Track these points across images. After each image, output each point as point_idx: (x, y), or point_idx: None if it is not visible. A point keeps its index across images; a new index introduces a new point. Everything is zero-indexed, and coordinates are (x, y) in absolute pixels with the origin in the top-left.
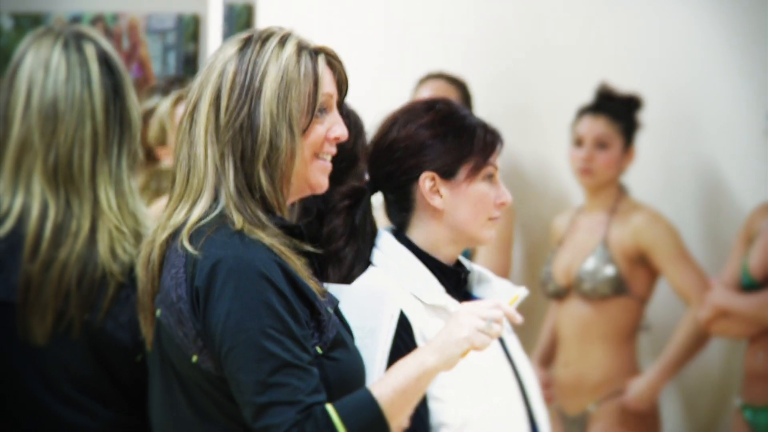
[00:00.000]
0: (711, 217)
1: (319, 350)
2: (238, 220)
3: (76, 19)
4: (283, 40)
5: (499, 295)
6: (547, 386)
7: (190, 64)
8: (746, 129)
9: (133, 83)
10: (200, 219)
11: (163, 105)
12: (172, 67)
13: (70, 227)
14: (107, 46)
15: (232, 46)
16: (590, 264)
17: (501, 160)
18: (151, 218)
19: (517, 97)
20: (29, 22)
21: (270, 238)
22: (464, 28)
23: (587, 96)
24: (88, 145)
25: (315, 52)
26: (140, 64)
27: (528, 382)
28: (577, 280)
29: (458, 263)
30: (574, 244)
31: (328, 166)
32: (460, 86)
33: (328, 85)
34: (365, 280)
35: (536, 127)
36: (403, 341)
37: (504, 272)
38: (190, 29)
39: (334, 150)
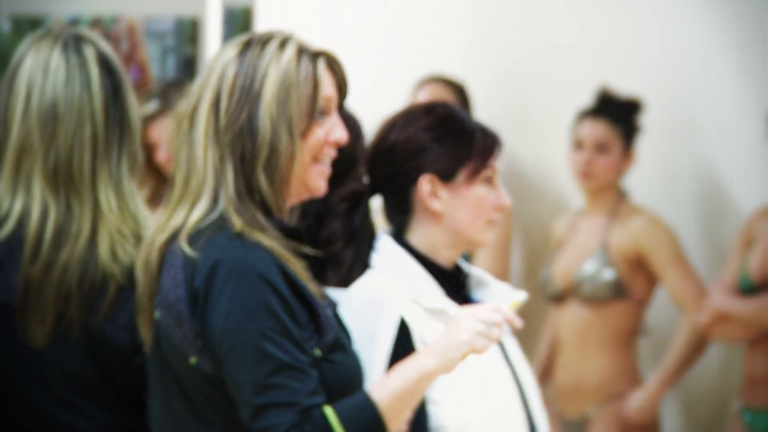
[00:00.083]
0: (710, 220)
1: (318, 352)
2: (237, 223)
3: (75, 22)
4: (283, 44)
5: (499, 299)
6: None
7: (188, 67)
8: (746, 131)
9: (132, 85)
10: (199, 221)
11: None
12: (171, 69)
13: (71, 229)
14: (106, 48)
15: (232, 49)
16: (589, 267)
17: (500, 162)
18: (151, 220)
19: (516, 98)
20: (28, 25)
21: (270, 240)
22: (463, 29)
23: (587, 97)
24: (88, 147)
25: (315, 55)
26: (139, 66)
27: (527, 385)
28: (576, 283)
29: (457, 266)
30: (573, 247)
31: (327, 170)
32: (458, 89)
33: (327, 88)
34: (364, 283)
35: (536, 128)
36: (402, 345)
37: (502, 275)
38: (189, 32)
39: (333, 153)
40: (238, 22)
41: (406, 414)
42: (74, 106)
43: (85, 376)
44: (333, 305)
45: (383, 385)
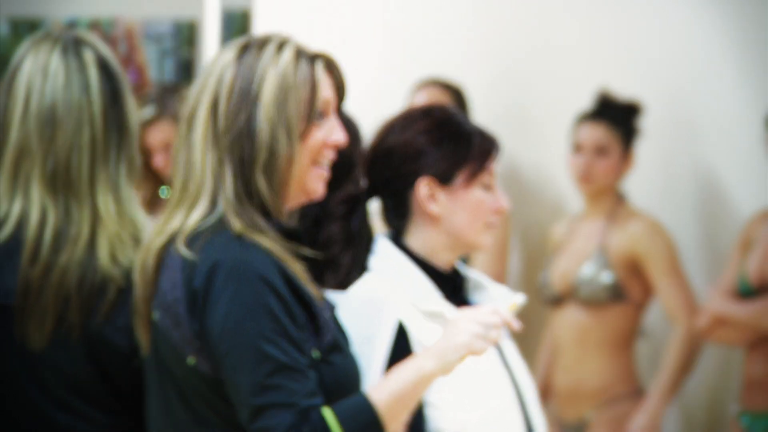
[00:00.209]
0: (709, 222)
1: (316, 354)
2: (237, 225)
3: (73, 24)
4: (281, 46)
5: (497, 301)
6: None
7: (186, 70)
8: (746, 132)
9: (131, 89)
10: (197, 224)
11: None
12: (169, 72)
13: (70, 232)
14: (106, 51)
15: (230, 52)
16: (587, 270)
17: (499, 165)
18: (149, 224)
19: (515, 100)
20: (26, 27)
21: (269, 242)
22: (462, 31)
23: (586, 99)
24: (87, 150)
25: (313, 58)
26: (137, 69)
27: (525, 387)
28: (574, 285)
29: (455, 269)
30: (571, 250)
31: (325, 174)
32: (455, 92)
33: (326, 90)
34: (362, 285)
35: (535, 130)
36: (400, 347)
37: (500, 278)
38: (187, 34)
39: (332, 155)
40: (236, 24)
41: (404, 416)
42: (73, 109)
43: (84, 378)
44: (331, 307)
45: (381, 387)
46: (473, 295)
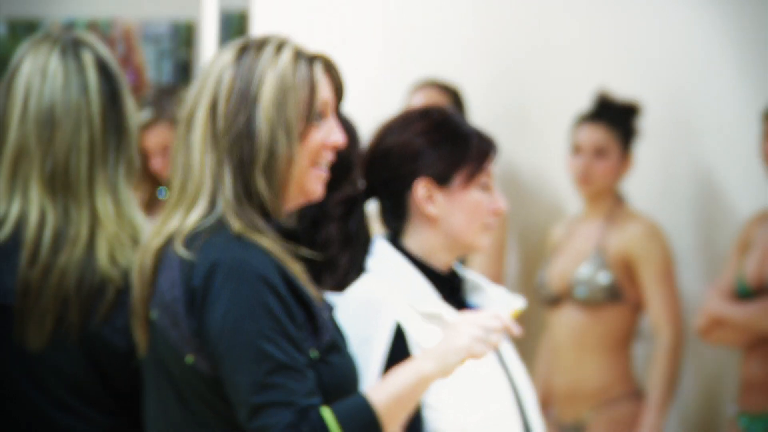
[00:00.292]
0: (707, 223)
1: (314, 354)
2: (236, 225)
3: (71, 25)
4: (280, 47)
5: (495, 303)
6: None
7: (184, 71)
8: (745, 134)
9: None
10: (196, 224)
11: None
12: (167, 73)
13: (69, 234)
14: (105, 53)
15: (229, 53)
16: (585, 270)
17: (497, 165)
18: (148, 226)
19: (514, 100)
20: (24, 28)
21: (268, 242)
22: (461, 32)
23: (585, 100)
24: (85, 152)
25: (311, 59)
26: (135, 70)
27: (523, 390)
28: (572, 286)
29: (453, 271)
30: (569, 251)
31: (324, 175)
32: (453, 93)
33: (324, 91)
34: (360, 287)
35: (533, 131)
36: (398, 349)
37: (497, 279)
38: (185, 35)
39: (331, 157)
40: (234, 26)
41: (403, 417)
42: (72, 110)
43: (83, 379)
44: (330, 308)
45: (381, 387)
46: (471, 297)
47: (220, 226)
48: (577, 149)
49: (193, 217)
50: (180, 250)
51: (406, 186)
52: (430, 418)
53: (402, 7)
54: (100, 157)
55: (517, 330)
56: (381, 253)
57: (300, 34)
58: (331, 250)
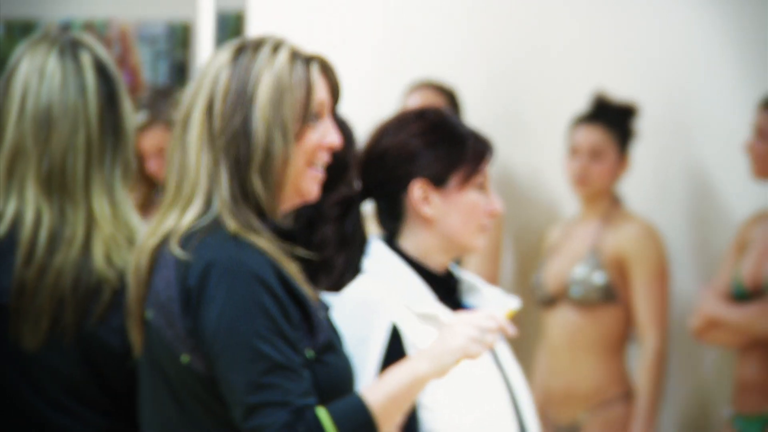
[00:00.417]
0: (703, 225)
1: (310, 354)
2: (232, 225)
3: (67, 26)
4: (276, 48)
5: (491, 304)
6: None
7: (180, 71)
8: (742, 136)
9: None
10: (191, 224)
11: None
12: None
13: (65, 234)
14: (103, 54)
15: (225, 54)
16: (580, 270)
17: (493, 167)
18: (143, 227)
19: (511, 102)
20: (20, 29)
21: (264, 242)
22: (457, 34)
23: (581, 102)
24: (82, 152)
25: (308, 60)
26: (131, 70)
27: (519, 390)
28: (567, 286)
29: (449, 271)
30: (565, 252)
31: (320, 175)
32: (449, 94)
33: (321, 92)
34: (356, 287)
35: (529, 133)
36: (393, 349)
37: (492, 280)
38: (181, 36)
39: (327, 157)
40: (230, 26)
41: (398, 417)
42: (69, 111)
43: (79, 379)
44: (326, 308)
45: (376, 387)
46: (467, 298)
47: (216, 225)
48: (574, 150)
49: (189, 216)
50: (175, 249)
51: (402, 187)
52: (426, 418)
53: (398, 8)
54: (97, 157)
55: (512, 330)
56: (377, 254)
57: (296, 35)
58: (327, 250)
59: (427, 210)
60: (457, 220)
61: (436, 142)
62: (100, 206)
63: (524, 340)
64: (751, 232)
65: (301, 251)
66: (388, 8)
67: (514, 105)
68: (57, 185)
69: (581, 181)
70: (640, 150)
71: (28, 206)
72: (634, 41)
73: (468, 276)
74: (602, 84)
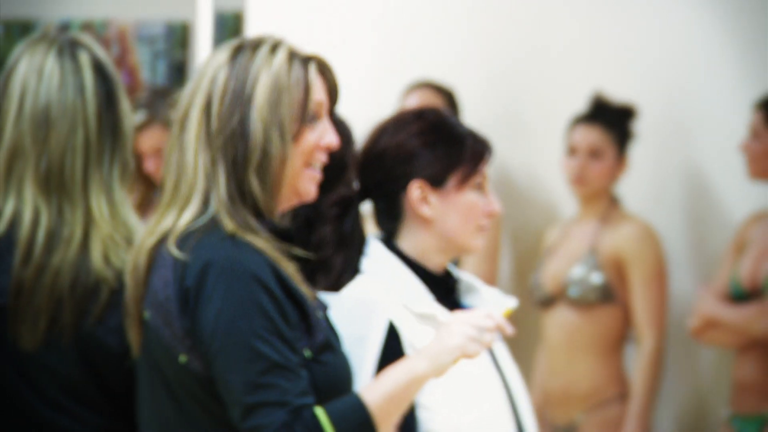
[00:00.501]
0: (700, 225)
1: (308, 353)
2: (229, 225)
3: (66, 26)
4: (274, 48)
5: (489, 304)
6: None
7: (179, 72)
8: (740, 137)
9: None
10: (189, 224)
11: None
12: (161, 74)
13: (63, 234)
14: (102, 54)
15: (223, 54)
16: (578, 270)
17: (491, 168)
18: (141, 227)
19: (509, 103)
20: (18, 29)
21: (262, 242)
22: (456, 35)
23: (579, 103)
24: (80, 153)
25: (306, 60)
26: (129, 71)
27: (516, 390)
28: (565, 286)
29: (447, 272)
30: (564, 252)
31: (318, 175)
32: (447, 95)
33: (318, 92)
34: (354, 287)
35: (528, 133)
36: (392, 350)
37: (490, 280)
38: (180, 36)
39: (325, 158)
40: (228, 26)
41: (396, 417)
42: (67, 111)
43: (77, 379)
44: (324, 307)
45: (374, 387)
46: (465, 298)
47: (213, 225)
48: (572, 150)
49: (186, 216)
50: (173, 249)
51: (400, 187)
52: (424, 418)
53: (397, 9)
54: (95, 158)
55: (510, 329)
56: (375, 254)
57: (295, 35)
58: (326, 250)
59: (425, 210)
60: (455, 221)
61: (434, 143)
62: (99, 206)
63: (523, 341)
64: (750, 232)
65: (299, 251)
66: (388, 8)
67: (513, 105)
68: (55, 185)
69: (579, 180)
70: (639, 150)
71: (26, 206)
72: (634, 41)
73: (466, 276)
74: (601, 84)
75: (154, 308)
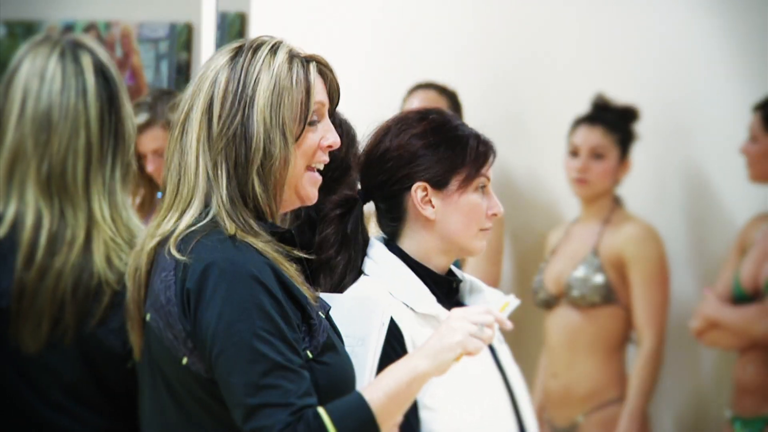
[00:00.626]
0: (701, 227)
1: (309, 354)
2: (230, 227)
3: (69, 27)
4: (275, 49)
5: (491, 305)
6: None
7: (182, 73)
8: (740, 139)
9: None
10: (189, 226)
11: None
12: (165, 75)
13: (65, 236)
14: (104, 56)
15: (224, 56)
16: (580, 272)
17: (493, 170)
18: (143, 230)
19: (511, 105)
20: (22, 30)
21: (262, 244)
22: (458, 37)
23: (580, 106)
24: (82, 155)
25: (306, 61)
26: (133, 72)
27: (518, 391)
28: (567, 287)
29: (450, 273)
30: (566, 253)
31: (319, 178)
32: (450, 96)
33: (319, 93)
34: (356, 288)
35: (529, 136)
36: (394, 349)
37: (494, 282)
38: (183, 38)
39: (326, 158)
40: (232, 28)
41: (398, 416)
42: (69, 113)
43: (78, 380)
44: (325, 308)
45: (376, 386)
46: (468, 299)
47: (214, 227)
48: (574, 151)
49: (187, 218)
50: (174, 251)
51: (403, 189)
52: (426, 418)
53: (399, 10)
54: (97, 160)
55: (509, 324)
56: (377, 255)
57: (298, 37)
58: (328, 252)
59: (428, 212)
60: (458, 222)
61: (437, 144)
62: (100, 208)
63: (525, 343)
64: (752, 234)
65: (301, 252)
66: (389, 9)
67: (514, 107)
68: (57, 187)
69: (581, 181)
70: (639, 152)
71: (28, 208)
72: (635, 43)
73: (469, 277)
74: (602, 86)
75: (156, 310)
